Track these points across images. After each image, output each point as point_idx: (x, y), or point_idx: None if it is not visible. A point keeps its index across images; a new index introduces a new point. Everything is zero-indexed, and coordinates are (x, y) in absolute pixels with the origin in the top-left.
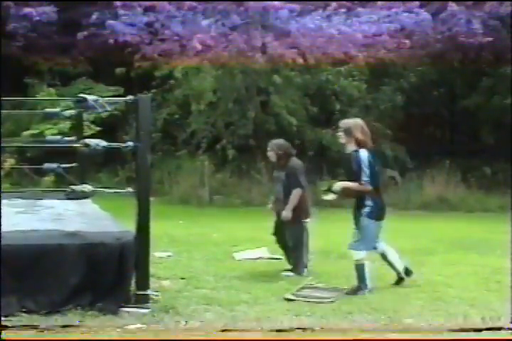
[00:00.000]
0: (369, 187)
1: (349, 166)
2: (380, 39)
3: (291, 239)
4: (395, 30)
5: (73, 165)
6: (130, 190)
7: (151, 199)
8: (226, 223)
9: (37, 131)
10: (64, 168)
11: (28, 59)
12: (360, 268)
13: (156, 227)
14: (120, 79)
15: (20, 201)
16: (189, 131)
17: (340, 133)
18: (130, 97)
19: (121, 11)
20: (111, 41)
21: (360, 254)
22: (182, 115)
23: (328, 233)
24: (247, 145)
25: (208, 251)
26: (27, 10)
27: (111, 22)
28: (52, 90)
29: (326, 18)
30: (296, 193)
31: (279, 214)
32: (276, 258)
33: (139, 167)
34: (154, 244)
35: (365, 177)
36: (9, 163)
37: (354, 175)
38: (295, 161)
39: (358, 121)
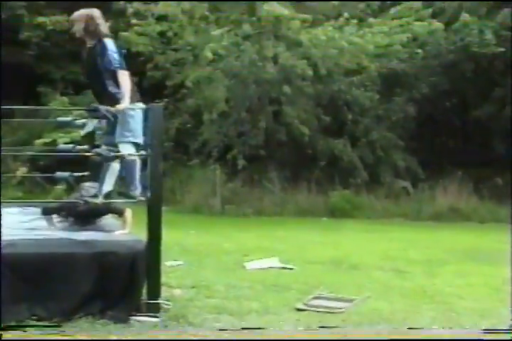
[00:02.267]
0: (127, 72)
1: (90, 62)
2: (392, 49)
3: None
4: (408, 40)
5: (85, 174)
6: (142, 198)
7: (163, 208)
8: (237, 232)
9: (49, 139)
10: (76, 177)
11: (41, 67)
12: None
13: (167, 236)
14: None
15: (32, 209)
16: (201, 140)
17: (75, 28)
18: (142, 106)
19: (134, 20)
20: (124, 51)
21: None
22: (194, 124)
23: (339, 243)
24: (259, 155)
25: (219, 261)
26: (40, 19)
27: (124, 33)
28: (65, 99)
29: (337, 29)
30: None
31: None
32: (288, 268)
33: (151, 176)
34: (165, 253)
35: (116, 64)
36: (21, 171)
37: (97, 71)
38: None
39: (91, 11)
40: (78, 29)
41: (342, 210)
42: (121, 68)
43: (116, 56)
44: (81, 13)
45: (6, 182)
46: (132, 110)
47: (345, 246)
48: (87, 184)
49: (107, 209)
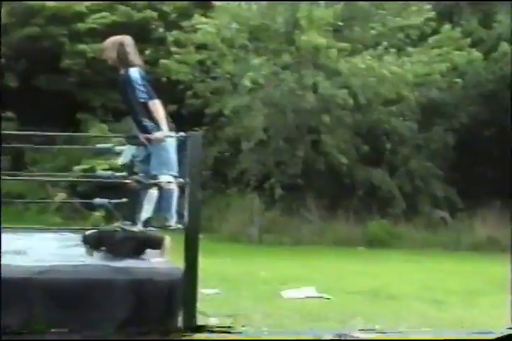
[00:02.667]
0: (157, 101)
1: (121, 92)
2: (432, 78)
3: None
4: (447, 69)
5: (123, 200)
6: (180, 226)
7: (200, 236)
8: (275, 261)
9: (88, 166)
10: (114, 204)
11: (82, 95)
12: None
13: (204, 265)
14: (172, 116)
15: (70, 235)
16: (239, 168)
17: (106, 54)
18: (181, 134)
19: (173, 49)
20: (163, 78)
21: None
22: (232, 153)
23: (377, 273)
24: (297, 184)
25: (256, 289)
26: (81, 46)
27: (164, 60)
28: (104, 126)
29: (377, 58)
30: None
31: None
32: (325, 298)
33: (189, 204)
34: (202, 281)
35: (143, 96)
36: (60, 197)
37: (128, 101)
38: None
39: (122, 38)
40: (109, 56)
41: (380, 240)
42: (150, 99)
43: (141, 88)
44: (113, 40)
45: (45, 207)
46: (165, 142)
47: (383, 276)
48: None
49: (144, 243)
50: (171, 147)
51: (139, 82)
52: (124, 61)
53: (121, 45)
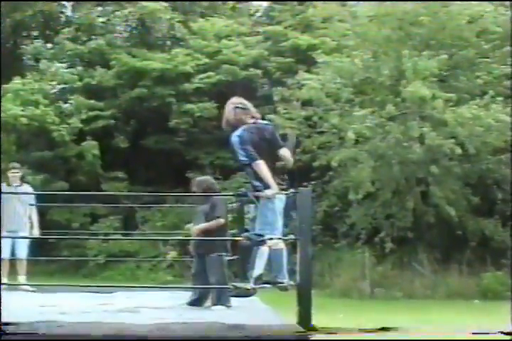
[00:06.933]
0: (259, 162)
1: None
2: None
3: (210, 274)
4: None
5: (235, 257)
6: (291, 283)
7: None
8: (388, 316)
9: None
10: (227, 261)
11: (190, 153)
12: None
13: (315, 320)
14: (280, 171)
15: (181, 293)
16: (349, 222)
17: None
18: (290, 191)
19: (279, 106)
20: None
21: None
22: (341, 207)
23: (495, 326)
24: (407, 237)
25: None
26: (188, 106)
27: (271, 116)
28: None
29: (483, 107)
30: (215, 221)
31: None
32: None
33: (300, 260)
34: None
35: (244, 159)
36: (171, 255)
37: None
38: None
39: (234, 100)
40: (225, 119)
41: (495, 292)
42: (252, 160)
43: (241, 151)
44: (228, 103)
45: (156, 265)
46: (272, 203)
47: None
48: None
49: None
50: (278, 208)
51: (238, 145)
52: (234, 124)
53: (234, 108)
